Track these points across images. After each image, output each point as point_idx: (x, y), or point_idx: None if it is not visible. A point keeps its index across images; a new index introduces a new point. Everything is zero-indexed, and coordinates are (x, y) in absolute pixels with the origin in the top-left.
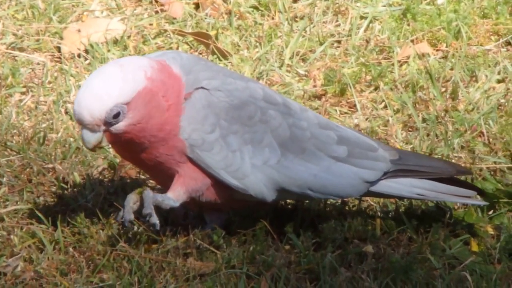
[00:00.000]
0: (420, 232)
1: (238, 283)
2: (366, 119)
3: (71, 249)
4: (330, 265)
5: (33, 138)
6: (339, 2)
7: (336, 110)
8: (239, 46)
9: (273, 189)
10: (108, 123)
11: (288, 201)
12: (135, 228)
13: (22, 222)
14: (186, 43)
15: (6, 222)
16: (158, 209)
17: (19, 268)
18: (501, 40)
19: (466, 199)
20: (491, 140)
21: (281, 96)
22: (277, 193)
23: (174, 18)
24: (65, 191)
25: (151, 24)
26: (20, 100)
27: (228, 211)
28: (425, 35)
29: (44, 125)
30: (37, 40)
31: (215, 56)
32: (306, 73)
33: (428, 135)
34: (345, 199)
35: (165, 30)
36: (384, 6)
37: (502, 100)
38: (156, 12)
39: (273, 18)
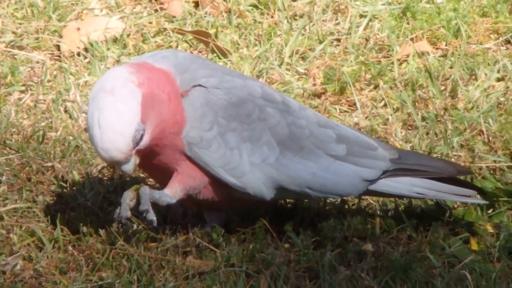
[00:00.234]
0: (420, 231)
1: (237, 281)
2: (366, 118)
3: (70, 248)
4: (330, 263)
5: (32, 137)
6: (339, 0)
7: (335, 109)
8: (238, 44)
9: (271, 187)
10: (135, 146)
11: (288, 200)
12: (134, 226)
13: (21, 221)
14: (186, 41)
15: (5, 220)
16: (156, 206)
17: (18, 267)
18: (500, 39)
19: (466, 198)
20: (490, 138)
21: (280, 94)
22: (275, 192)
23: (174, 17)
24: (64, 190)
25: (150, 23)
26: (19, 99)
27: (226, 210)
28: (425, 33)
29: (43, 124)
30: (37, 39)
31: (215, 54)
32: (306, 71)
33: (427, 133)
34: (345, 198)
35: (165, 29)
36: (384, 4)
37: (502, 99)
38: (156, 10)
39: (272, 17)
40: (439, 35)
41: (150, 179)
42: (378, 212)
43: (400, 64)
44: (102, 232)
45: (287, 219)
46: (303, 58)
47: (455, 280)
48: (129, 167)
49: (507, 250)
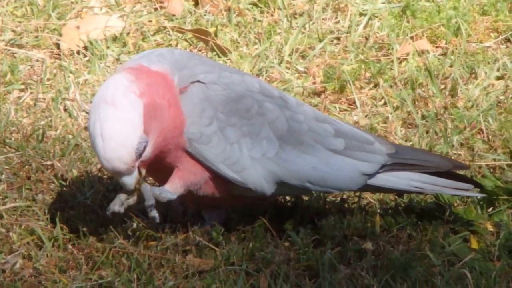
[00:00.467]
0: (420, 229)
1: (237, 280)
2: (366, 116)
3: (70, 246)
4: (330, 262)
5: (32, 135)
6: None
7: (335, 107)
8: (238, 43)
9: (272, 182)
10: (138, 158)
11: (288, 198)
12: (134, 225)
13: (21, 219)
14: (186, 40)
15: (5, 219)
16: (156, 203)
17: (18, 265)
18: (500, 37)
19: (464, 191)
20: (490, 137)
21: (277, 90)
22: (276, 187)
23: (173, 15)
24: (64, 188)
25: (150, 21)
26: (19, 97)
27: (226, 208)
28: (425, 32)
29: (43, 122)
30: (36, 37)
31: (214, 53)
32: (306, 70)
33: (427, 132)
34: (344, 196)
35: (164, 27)
36: (384, 3)
37: (502, 97)
38: (155, 9)
39: (272, 15)
40: (439, 33)
41: (150, 178)
42: (378, 211)
43: (400, 62)
44: (101, 230)
45: (287, 217)
46: (303, 57)
47: (455, 279)
48: (132, 181)
49: (507, 249)
